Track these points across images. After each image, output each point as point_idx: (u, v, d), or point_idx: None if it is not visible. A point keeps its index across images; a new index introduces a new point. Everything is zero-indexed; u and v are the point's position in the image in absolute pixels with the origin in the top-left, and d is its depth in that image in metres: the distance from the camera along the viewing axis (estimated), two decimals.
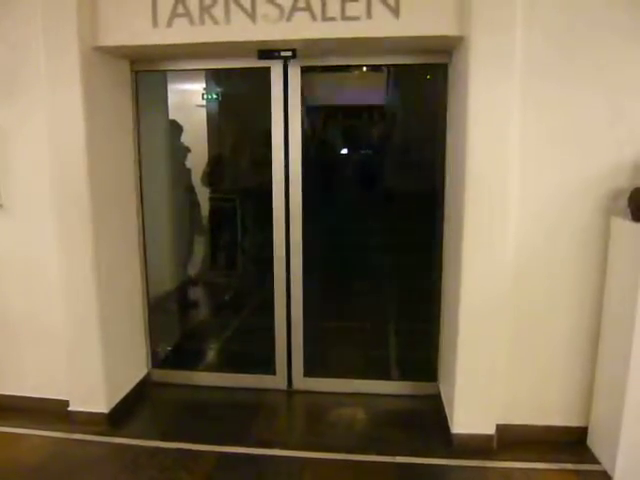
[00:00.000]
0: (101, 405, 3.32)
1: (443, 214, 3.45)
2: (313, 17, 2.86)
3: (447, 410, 3.27)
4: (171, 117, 4.43)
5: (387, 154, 4.81)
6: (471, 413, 3.06)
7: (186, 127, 4.62)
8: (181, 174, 4.65)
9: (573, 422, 3.11)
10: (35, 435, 3.25)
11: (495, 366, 3.00)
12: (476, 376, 3.00)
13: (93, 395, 3.31)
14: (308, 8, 2.86)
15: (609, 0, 2.70)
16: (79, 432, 3.24)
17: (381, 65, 3.54)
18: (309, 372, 3.76)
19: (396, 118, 4.71)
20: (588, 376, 3.03)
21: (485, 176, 2.81)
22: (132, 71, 3.51)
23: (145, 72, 3.58)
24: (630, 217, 2.68)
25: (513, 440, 3.07)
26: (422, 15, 2.80)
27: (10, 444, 3.19)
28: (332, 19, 2.85)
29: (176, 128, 4.57)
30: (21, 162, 3.23)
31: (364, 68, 4.21)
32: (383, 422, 3.42)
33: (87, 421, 3.29)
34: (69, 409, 3.35)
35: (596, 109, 2.78)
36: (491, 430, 3.05)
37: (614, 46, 2.73)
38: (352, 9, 2.83)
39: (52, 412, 3.37)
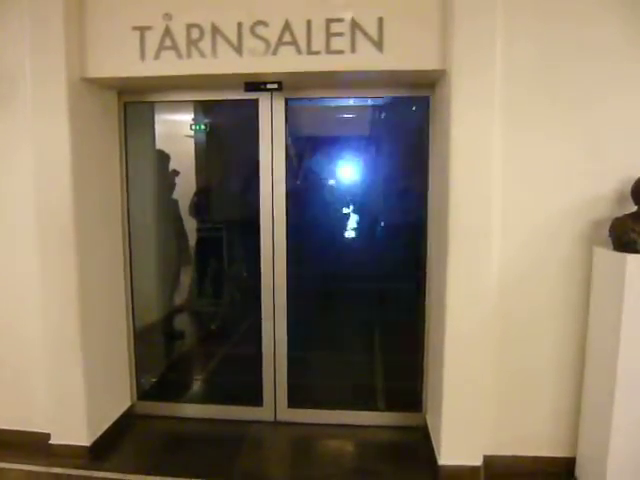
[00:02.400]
0: (83, 438, 3.26)
1: (427, 244, 3.47)
2: (298, 51, 2.92)
3: (434, 441, 3.24)
4: (158, 147, 4.46)
5: (371, 184, 4.85)
6: (458, 444, 3.03)
7: (174, 157, 4.64)
8: (168, 204, 4.65)
9: (561, 453, 3.09)
10: (15, 469, 3.18)
11: (482, 397, 2.98)
12: (462, 407, 2.98)
13: (75, 428, 3.25)
14: (294, 42, 2.92)
15: (588, 38, 2.79)
16: (60, 466, 3.18)
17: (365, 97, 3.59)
18: (293, 403, 3.72)
19: (380, 149, 4.76)
20: (574, 406, 3.03)
21: (468, 208, 2.84)
22: (120, 102, 3.55)
23: (133, 103, 3.61)
24: (612, 246, 2.72)
25: (500, 471, 3.05)
26: (405, 49, 2.87)
27: None
28: (317, 53, 2.92)
29: (163, 157, 4.59)
30: (5, 190, 3.23)
31: (351, 101, 4.28)
32: (369, 454, 3.38)
33: (68, 454, 3.23)
34: (50, 442, 3.28)
35: (576, 142, 2.85)
36: (478, 461, 3.02)
37: (593, 81, 2.81)
38: (336, 43, 2.89)
39: (33, 445, 3.31)
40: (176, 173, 4.67)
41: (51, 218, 3.08)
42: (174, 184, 4.66)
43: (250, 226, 3.58)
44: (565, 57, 2.80)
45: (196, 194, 4.87)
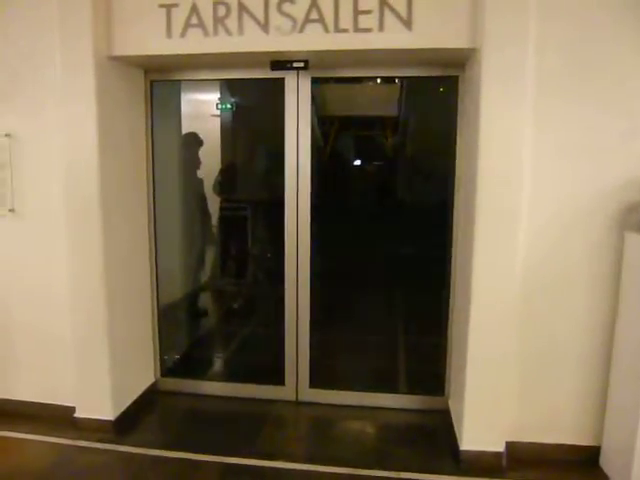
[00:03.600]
0: (107, 412, 3.31)
1: (453, 227, 3.42)
2: (326, 29, 2.87)
3: (456, 426, 3.22)
4: (185, 126, 4.46)
5: (398, 166, 4.80)
6: (480, 429, 3.01)
7: (200, 136, 4.65)
8: (193, 183, 4.67)
9: (585, 441, 3.04)
10: (40, 441, 3.26)
11: (505, 382, 2.95)
12: (486, 392, 2.95)
13: (100, 402, 3.31)
14: (321, 20, 2.87)
15: (623, 15, 2.68)
16: (84, 439, 3.24)
17: (393, 77, 3.53)
18: (315, 384, 3.73)
19: (407, 129, 4.70)
20: (601, 394, 2.97)
21: (496, 190, 2.78)
22: (146, 80, 3.55)
23: (159, 81, 3.61)
24: None
25: (523, 458, 3.01)
26: (434, 27, 2.80)
27: (15, 450, 3.20)
28: (345, 31, 2.86)
29: (196, 142, 4.60)
30: (34, 170, 3.27)
31: (378, 80, 4.22)
32: (390, 437, 3.38)
33: (93, 428, 3.30)
34: (75, 416, 3.35)
35: (609, 122, 2.75)
36: (501, 447, 3.00)
37: (628, 60, 2.71)
38: (364, 21, 2.84)
39: (58, 418, 3.38)
40: (200, 143, 4.66)
41: (79, 198, 3.12)
42: (199, 162, 4.67)
43: (275, 205, 3.57)
44: (603, 33, 2.69)
45: (221, 172, 4.88)
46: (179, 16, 2.98)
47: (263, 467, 3.01)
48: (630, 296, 2.75)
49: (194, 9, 2.96)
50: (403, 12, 2.80)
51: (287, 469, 2.99)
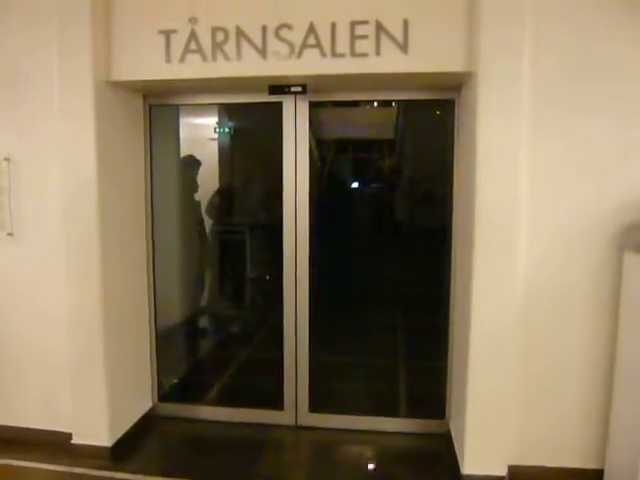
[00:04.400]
0: (104, 439, 3.27)
1: (451, 248, 3.42)
2: (323, 53, 2.91)
3: (457, 449, 3.18)
4: (184, 150, 4.48)
5: (396, 188, 4.82)
6: (482, 453, 2.97)
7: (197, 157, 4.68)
8: (191, 207, 4.68)
9: (588, 464, 3.00)
10: (38, 468, 3.21)
11: (506, 406, 2.92)
12: (487, 415, 2.92)
13: (96, 428, 3.27)
14: (318, 45, 2.91)
15: (621, 27, 2.71)
16: (81, 466, 3.19)
17: (390, 100, 3.57)
18: (315, 408, 3.69)
19: (405, 152, 4.74)
20: (604, 416, 2.94)
21: (495, 210, 2.79)
22: (145, 105, 3.57)
23: (158, 106, 3.64)
24: None
25: None
26: (430, 52, 2.84)
27: (13, 477, 3.15)
28: (342, 55, 2.90)
29: (194, 163, 4.62)
30: (32, 193, 3.27)
31: (374, 104, 4.25)
32: (391, 461, 3.33)
33: (90, 454, 3.24)
34: (72, 442, 3.31)
35: (609, 140, 2.77)
36: (503, 472, 2.96)
37: (627, 73, 2.73)
38: (361, 46, 2.88)
39: (55, 445, 3.33)
40: (198, 163, 4.68)
41: (77, 222, 3.11)
42: (197, 186, 4.69)
43: (272, 229, 3.57)
44: (600, 46, 2.72)
45: (215, 195, 4.88)
46: (178, 42, 3.02)
47: None
48: (630, 317, 2.73)
49: (193, 35, 3.00)
50: (399, 37, 2.84)
51: None
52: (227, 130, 4.97)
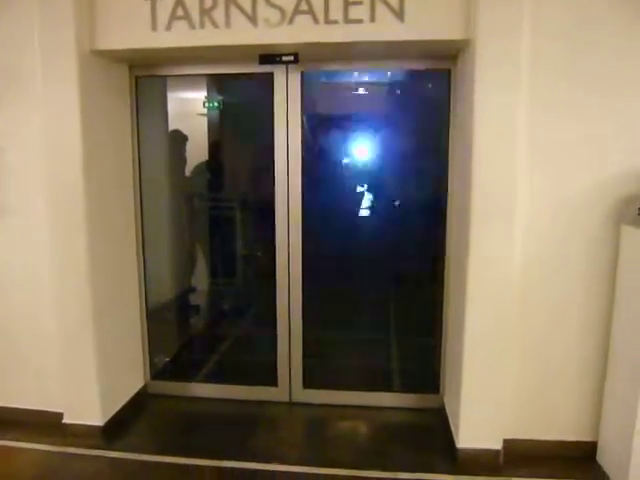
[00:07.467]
0: (96, 418, 3.24)
1: (446, 222, 3.37)
2: (315, 20, 2.81)
3: (452, 424, 3.18)
4: (172, 125, 4.38)
5: (390, 163, 4.74)
6: (477, 427, 2.98)
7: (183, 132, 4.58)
8: (180, 181, 4.59)
9: (582, 437, 3.02)
10: (29, 449, 3.18)
11: (502, 379, 2.92)
12: (482, 389, 2.92)
13: (88, 407, 3.23)
14: (310, 11, 2.80)
15: (620, 2, 2.64)
16: (74, 445, 3.16)
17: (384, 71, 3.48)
18: (309, 384, 3.68)
19: (399, 126, 4.65)
20: (598, 390, 2.95)
21: (492, 186, 2.74)
22: (131, 76, 3.46)
23: (145, 77, 3.52)
24: None
25: (520, 455, 2.98)
26: (427, 18, 2.74)
27: (4, 457, 3.11)
28: (335, 22, 2.80)
29: (180, 138, 4.52)
30: (17, 168, 3.17)
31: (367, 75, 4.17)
32: (385, 436, 3.33)
33: (82, 434, 3.21)
34: (63, 422, 3.27)
35: (606, 114, 2.71)
36: (498, 445, 2.96)
37: (628, 46, 2.66)
38: (355, 12, 2.77)
39: (47, 425, 3.29)
40: (184, 138, 4.58)
41: (62, 195, 3.02)
42: (185, 161, 4.59)
43: (264, 204, 3.50)
44: (598, 21, 2.64)
45: (206, 166, 4.80)
46: (164, 8, 2.89)
47: (257, 470, 2.95)
48: (626, 291, 2.72)
49: (179, 1, 2.88)
50: (395, 3, 2.74)
51: (282, 472, 2.94)
52: (216, 104, 4.84)
